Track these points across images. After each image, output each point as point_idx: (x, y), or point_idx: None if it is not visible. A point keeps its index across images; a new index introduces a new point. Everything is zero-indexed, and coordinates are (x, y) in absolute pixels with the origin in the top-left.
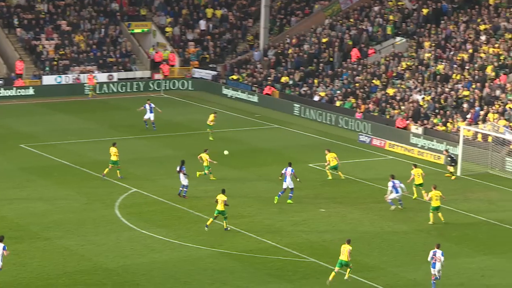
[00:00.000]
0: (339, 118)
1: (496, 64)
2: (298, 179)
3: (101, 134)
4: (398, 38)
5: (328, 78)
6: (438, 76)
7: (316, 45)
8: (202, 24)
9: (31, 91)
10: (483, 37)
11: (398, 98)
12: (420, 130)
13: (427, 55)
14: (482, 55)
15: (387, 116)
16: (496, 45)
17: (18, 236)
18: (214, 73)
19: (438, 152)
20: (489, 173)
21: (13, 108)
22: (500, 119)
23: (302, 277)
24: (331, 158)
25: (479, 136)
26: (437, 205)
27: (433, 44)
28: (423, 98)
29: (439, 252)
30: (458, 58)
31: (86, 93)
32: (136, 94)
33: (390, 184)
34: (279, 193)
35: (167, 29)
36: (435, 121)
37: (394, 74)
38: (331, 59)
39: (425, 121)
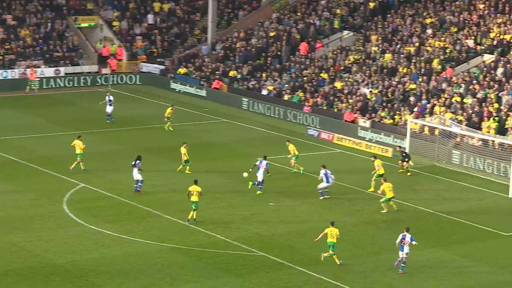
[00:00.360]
0: (288, 112)
1: (442, 57)
2: (268, 174)
3: (48, 129)
4: (345, 32)
5: (276, 72)
6: (385, 70)
7: (264, 39)
8: (150, 18)
9: None
10: (429, 31)
11: (346, 91)
12: (367, 124)
13: (374, 48)
14: (429, 48)
15: (335, 110)
16: (442, 39)
17: None
18: (162, 67)
19: (386, 145)
20: (436, 166)
21: None
22: (447, 112)
23: (251, 271)
24: (293, 149)
25: (426, 129)
26: (391, 196)
27: (380, 38)
28: (370, 91)
29: (408, 236)
30: (405, 51)
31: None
32: (83, 89)
33: (322, 172)
34: (254, 183)
35: (114, 23)
36: (382, 114)
37: (342, 67)
38: (279, 53)
39: (373, 115)
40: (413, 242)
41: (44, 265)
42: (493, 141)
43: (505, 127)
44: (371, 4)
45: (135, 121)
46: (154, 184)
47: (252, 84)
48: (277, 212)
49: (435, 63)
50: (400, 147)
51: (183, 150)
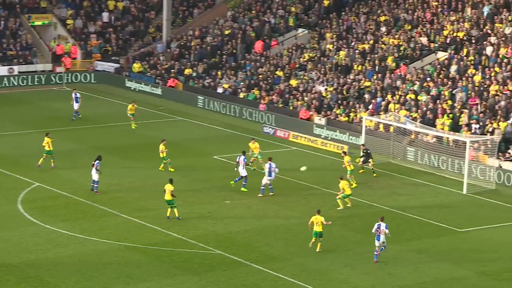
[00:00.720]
0: (243, 110)
1: (396, 55)
2: (252, 169)
3: (2, 129)
4: (300, 30)
5: (231, 70)
6: (339, 68)
7: (219, 37)
8: (104, 16)
9: None
10: (383, 28)
11: (301, 89)
12: (323, 121)
13: (328, 46)
14: (383, 46)
15: (291, 108)
16: (396, 36)
17: None
18: (117, 65)
19: (341, 143)
20: (391, 163)
21: None
22: (401, 109)
23: (208, 269)
24: (255, 147)
25: (381, 126)
26: (350, 192)
27: (335, 36)
28: (325, 89)
29: (383, 225)
30: (360, 48)
31: None
32: (37, 88)
33: (266, 165)
34: (237, 179)
35: (68, 21)
36: (338, 112)
37: (297, 65)
38: (234, 51)
39: (328, 112)
40: (386, 231)
41: None
42: (448, 138)
43: (459, 124)
44: (326, 2)
45: (90, 120)
46: (110, 183)
47: (207, 82)
48: (233, 210)
49: (389, 61)
50: (363, 145)
51: (161, 147)
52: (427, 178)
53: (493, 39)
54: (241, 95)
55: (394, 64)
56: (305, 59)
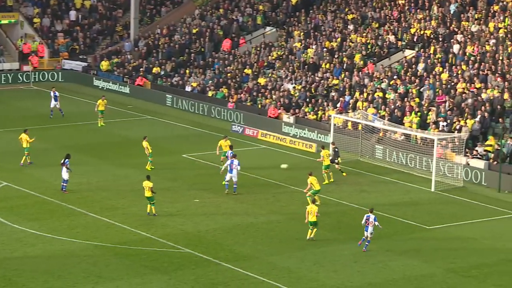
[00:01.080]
0: (212, 108)
1: (364, 52)
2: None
3: None
4: (268, 28)
5: (199, 69)
6: (306, 66)
7: (187, 35)
8: (72, 14)
9: None
10: (351, 26)
11: (269, 87)
12: (291, 119)
13: (296, 44)
14: (351, 44)
15: (259, 106)
16: (364, 34)
17: None
18: (85, 64)
19: (310, 141)
20: (360, 161)
21: None
22: (369, 107)
23: (177, 268)
24: (226, 145)
25: (349, 124)
26: (319, 188)
27: (302, 34)
28: (294, 87)
29: (372, 217)
30: (327, 46)
31: None
32: (4, 87)
33: (227, 162)
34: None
35: (35, 20)
36: (306, 110)
37: (265, 63)
38: (202, 49)
39: (297, 110)
40: (376, 223)
41: None
42: (416, 135)
43: (427, 122)
44: (293, 0)
45: (58, 119)
46: (79, 182)
47: (175, 81)
48: (202, 208)
49: (357, 59)
50: (333, 143)
51: (144, 144)
52: (395, 176)
53: (459, 37)
54: (210, 93)
55: (361, 62)
56: (273, 57)
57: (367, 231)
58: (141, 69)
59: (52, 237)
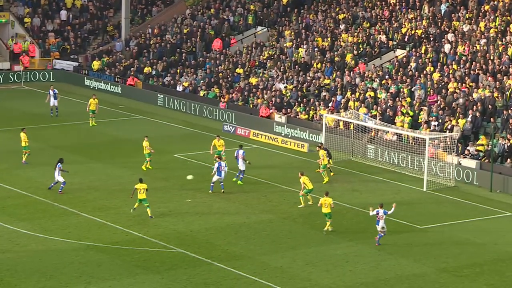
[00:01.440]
0: (203, 108)
1: (355, 52)
2: (248, 162)
3: None
4: (259, 28)
5: (191, 68)
6: (297, 66)
7: (178, 35)
8: (62, 14)
9: None
10: (342, 26)
11: (261, 87)
12: (283, 119)
13: (287, 44)
14: (342, 43)
15: (251, 106)
16: (355, 34)
17: None
18: (76, 64)
19: (301, 140)
20: (352, 160)
21: None
22: (361, 107)
23: (170, 267)
24: (220, 145)
25: (341, 124)
26: (311, 187)
27: (293, 33)
28: (285, 87)
29: (381, 211)
30: (319, 46)
31: None
32: None
33: (216, 165)
34: (238, 175)
35: (26, 19)
36: (298, 109)
37: (257, 63)
38: (193, 49)
39: (288, 110)
40: (389, 212)
41: None
42: (407, 135)
43: (419, 121)
44: (284, 0)
45: (50, 119)
46: (71, 181)
47: (167, 81)
48: (194, 208)
49: (348, 58)
50: (322, 144)
51: (145, 143)
52: (387, 175)
53: (450, 37)
54: (201, 93)
55: (353, 62)
56: (264, 57)
57: (378, 225)
58: (132, 68)
59: (44, 237)
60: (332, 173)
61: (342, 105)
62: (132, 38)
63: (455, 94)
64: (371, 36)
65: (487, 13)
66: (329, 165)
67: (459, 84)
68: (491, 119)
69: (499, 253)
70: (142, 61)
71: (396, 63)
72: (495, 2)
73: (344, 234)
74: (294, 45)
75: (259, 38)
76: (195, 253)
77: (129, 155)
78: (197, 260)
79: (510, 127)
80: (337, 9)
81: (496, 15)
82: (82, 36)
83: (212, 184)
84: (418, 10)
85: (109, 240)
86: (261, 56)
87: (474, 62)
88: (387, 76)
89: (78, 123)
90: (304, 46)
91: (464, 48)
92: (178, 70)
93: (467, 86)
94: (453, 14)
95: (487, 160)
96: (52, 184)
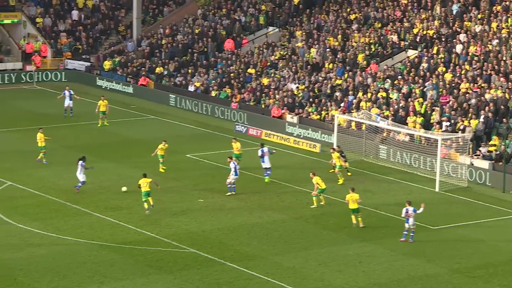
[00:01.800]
0: (215, 108)
1: (367, 52)
2: (274, 151)
3: None
4: (270, 28)
5: (202, 68)
6: (309, 66)
7: (189, 35)
8: (74, 14)
9: None
10: (353, 26)
11: (272, 87)
12: (295, 119)
13: (299, 44)
14: (354, 44)
15: (262, 106)
16: (367, 34)
17: None
18: (88, 64)
19: (313, 141)
20: (363, 161)
21: None
22: (373, 107)
23: (182, 267)
24: (237, 148)
25: (353, 124)
26: (324, 187)
27: (305, 34)
28: (297, 87)
29: (410, 209)
30: (330, 46)
31: None
32: (7, 86)
33: (231, 165)
34: (265, 173)
35: (38, 19)
36: (309, 110)
37: (268, 63)
38: (205, 49)
39: (300, 110)
40: (419, 211)
41: None
42: (419, 136)
43: (431, 122)
44: (296, 0)
45: (62, 119)
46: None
47: (179, 81)
48: (206, 208)
49: (360, 59)
50: (338, 147)
51: (160, 146)
52: (399, 176)
53: (462, 37)
54: (213, 93)
55: (364, 62)
56: (276, 57)
57: (408, 223)
58: (143, 68)
59: (57, 237)
60: (349, 173)
61: (354, 105)
62: (144, 38)
63: (467, 95)
64: (383, 37)
65: (499, 14)
66: (345, 165)
67: (471, 84)
68: (504, 119)
69: None
70: (154, 61)
71: (408, 64)
72: (507, 3)
73: (356, 234)
74: (306, 45)
75: (271, 38)
76: (207, 253)
77: (140, 155)
78: (210, 260)
79: None
80: (348, 9)
81: (508, 15)
82: (93, 36)
83: (233, 186)
84: (430, 11)
85: (122, 240)
86: (273, 56)
87: (486, 63)
88: (399, 77)
89: (90, 123)
90: (316, 46)
91: (476, 49)
92: (189, 70)
93: (479, 86)
94: (465, 15)
95: (500, 163)
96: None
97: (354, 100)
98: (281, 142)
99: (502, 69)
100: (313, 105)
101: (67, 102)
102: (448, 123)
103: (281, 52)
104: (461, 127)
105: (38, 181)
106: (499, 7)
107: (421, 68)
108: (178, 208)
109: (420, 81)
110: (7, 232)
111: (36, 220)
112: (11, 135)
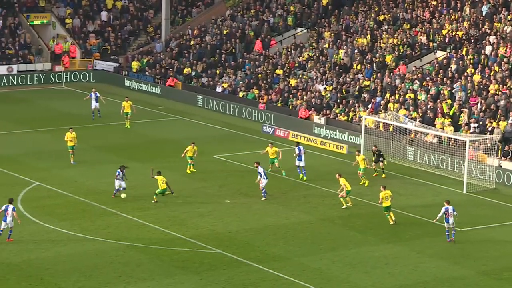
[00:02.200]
0: (243, 109)
1: (396, 54)
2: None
3: (1, 128)
4: (299, 29)
5: (230, 69)
6: (337, 67)
7: (218, 36)
8: (103, 15)
9: None
10: (382, 27)
11: (300, 88)
12: (322, 120)
13: (327, 45)
14: (382, 45)
15: (290, 107)
16: (395, 35)
17: None
18: (116, 64)
19: (341, 142)
20: (391, 162)
21: None
22: (401, 109)
23: (208, 268)
24: (273, 153)
25: (381, 125)
26: (350, 188)
27: (333, 35)
28: (325, 88)
29: (450, 208)
30: (358, 48)
31: None
32: (36, 87)
33: (260, 169)
34: (303, 172)
35: (67, 20)
36: (337, 111)
37: (296, 64)
38: (233, 50)
39: (328, 111)
40: (455, 213)
41: None
42: (447, 137)
43: (459, 123)
44: (324, 1)
45: (89, 119)
46: (110, 181)
47: (206, 82)
48: (233, 209)
49: (389, 60)
50: (375, 146)
51: (189, 148)
52: (426, 177)
53: (492, 38)
54: (240, 94)
55: (393, 63)
56: (304, 58)
57: (448, 222)
58: (171, 69)
59: (83, 237)
60: (383, 176)
61: (381, 106)
62: (172, 39)
63: (496, 96)
64: (412, 38)
65: None
66: (382, 165)
67: (500, 86)
68: None
69: None
70: (182, 62)
71: (437, 65)
72: None
73: (383, 236)
74: (334, 46)
75: (299, 39)
76: (233, 254)
77: (168, 156)
78: (236, 261)
79: None
80: (376, 9)
81: None
82: (122, 37)
83: (263, 191)
84: (459, 12)
85: (148, 240)
86: (301, 57)
87: None
88: (427, 78)
89: (118, 124)
90: (344, 47)
91: (505, 50)
92: (217, 71)
93: (508, 88)
94: (494, 16)
95: None
96: (119, 189)
97: (382, 102)
98: (308, 143)
99: None
100: (341, 106)
101: (94, 104)
102: (476, 125)
103: (309, 53)
104: (490, 129)
105: (66, 181)
106: None
107: (449, 69)
108: (204, 208)
109: (449, 82)
110: (35, 231)
111: (63, 220)
112: (40, 135)
